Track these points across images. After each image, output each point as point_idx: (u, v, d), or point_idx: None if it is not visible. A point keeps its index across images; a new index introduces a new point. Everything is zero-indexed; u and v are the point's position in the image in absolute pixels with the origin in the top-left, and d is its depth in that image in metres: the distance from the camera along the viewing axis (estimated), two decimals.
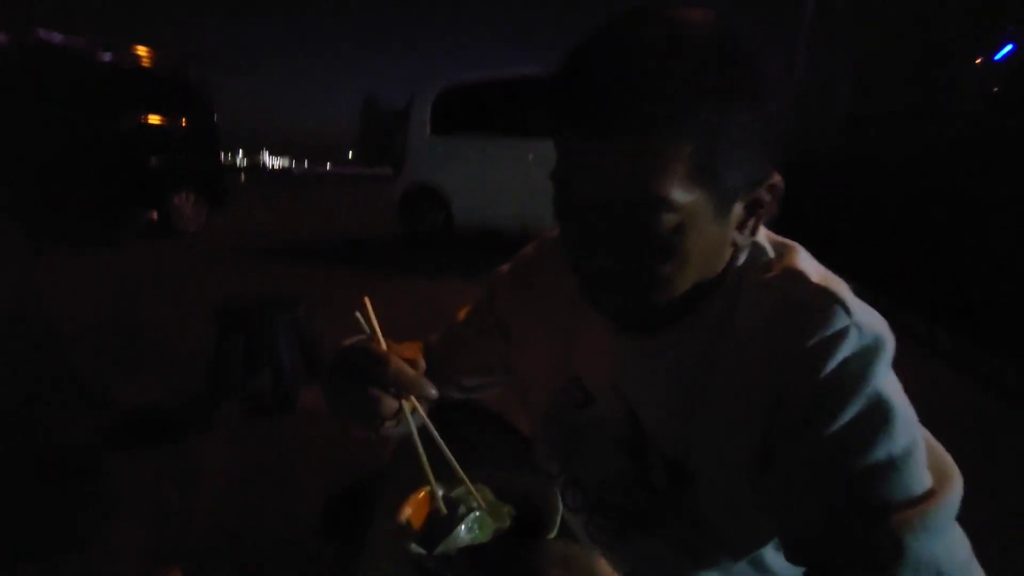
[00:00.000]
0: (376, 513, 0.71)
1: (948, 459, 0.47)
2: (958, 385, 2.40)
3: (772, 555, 0.57)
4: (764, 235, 0.55)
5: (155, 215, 6.37)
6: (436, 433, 0.48)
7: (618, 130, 0.42)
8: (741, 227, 0.49)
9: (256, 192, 17.00)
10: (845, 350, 0.43)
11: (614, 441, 0.61)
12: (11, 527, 1.21)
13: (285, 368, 2.01)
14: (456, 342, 0.77)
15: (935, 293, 3.34)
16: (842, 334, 0.44)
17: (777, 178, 0.48)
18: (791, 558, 0.48)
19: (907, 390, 0.45)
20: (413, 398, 0.49)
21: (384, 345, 0.50)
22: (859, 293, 0.48)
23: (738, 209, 0.48)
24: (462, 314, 0.79)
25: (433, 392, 0.50)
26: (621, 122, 0.41)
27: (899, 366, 0.46)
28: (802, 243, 0.54)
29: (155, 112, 6.17)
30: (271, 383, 2.02)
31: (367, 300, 0.51)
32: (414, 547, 0.42)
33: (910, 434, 0.43)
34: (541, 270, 0.69)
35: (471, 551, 0.42)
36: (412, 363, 0.50)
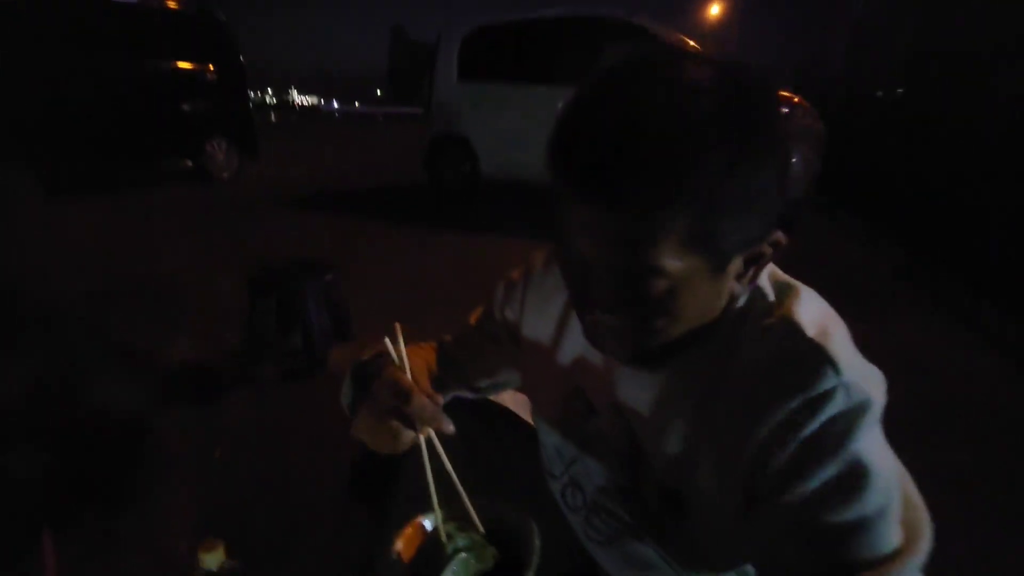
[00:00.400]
0: (401, 477, 0.76)
1: (922, 514, 0.50)
2: (998, 366, 2.33)
3: None
4: (768, 274, 0.55)
5: (189, 163, 6.48)
6: (448, 464, 0.52)
7: (611, 199, 0.42)
8: (740, 277, 0.50)
9: (286, 133, 17.01)
10: (830, 411, 0.45)
11: (613, 454, 0.63)
12: (65, 490, 1.35)
13: (315, 331, 2.10)
14: (469, 346, 0.80)
15: (986, 265, 3.11)
16: (828, 395, 0.45)
17: (779, 234, 0.48)
18: None
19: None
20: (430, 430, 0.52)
21: (409, 374, 0.53)
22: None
23: (736, 264, 0.48)
24: (473, 318, 0.81)
25: (451, 428, 0.53)
26: (614, 192, 0.41)
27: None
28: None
29: (184, 56, 6.13)
30: (302, 345, 2.12)
31: (398, 326, 0.53)
32: None
33: (885, 495, 0.45)
34: (550, 280, 0.70)
35: None
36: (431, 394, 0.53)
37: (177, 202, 5.55)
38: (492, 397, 0.86)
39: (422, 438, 0.53)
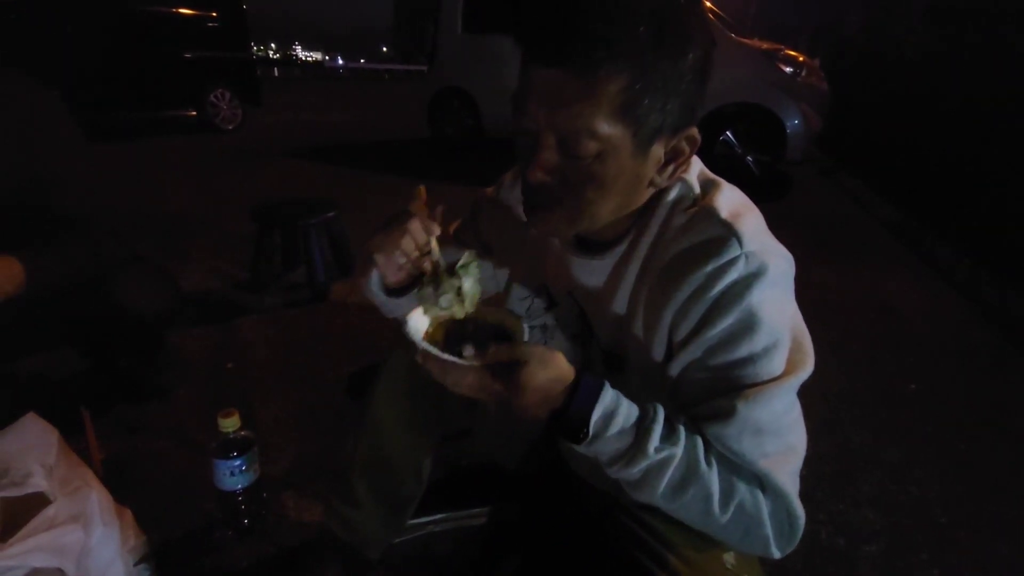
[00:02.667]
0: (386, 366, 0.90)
1: (804, 352, 0.60)
2: (965, 312, 2.45)
3: None
4: (697, 173, 0.65)
5: (193, 113, 6.50)
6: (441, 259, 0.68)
7: (557, 60, 0.52)
8: (661, 170, 0.60)
9: (289, 87, 16.80)
10: (733, 275, 0.56)
11: (570, 336, 0.77)
12: (95, 385, 1.51)
13: (317, 264, 2.23)
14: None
15: (986, 233, 3.08)
16: (732, 262, 0.56)
17: (695, 131, 0.59)
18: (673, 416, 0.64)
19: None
20: (433, 240, 0.67)
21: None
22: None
23: (658, 152, 0.58)
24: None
25: (438, 230, 0.67)
26: (561, 53, 0.52)
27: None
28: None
29: (185, 2, 6.07)
30: (306, 277, 2.26)
31: (422, 189, 0.70)
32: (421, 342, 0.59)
33: (772, 337, 0.56)
34: (516, 192, 0.82)
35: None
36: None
37: (182, 150, 5.61)
38: None
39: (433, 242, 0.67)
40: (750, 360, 0.57)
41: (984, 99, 3.80)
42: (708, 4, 4.77)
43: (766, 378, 0.57)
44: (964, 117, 3.99)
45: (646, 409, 0.59)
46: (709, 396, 0.59)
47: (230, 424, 1.05)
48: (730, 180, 0.67)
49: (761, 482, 0.58)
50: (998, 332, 2.24)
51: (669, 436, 0.57)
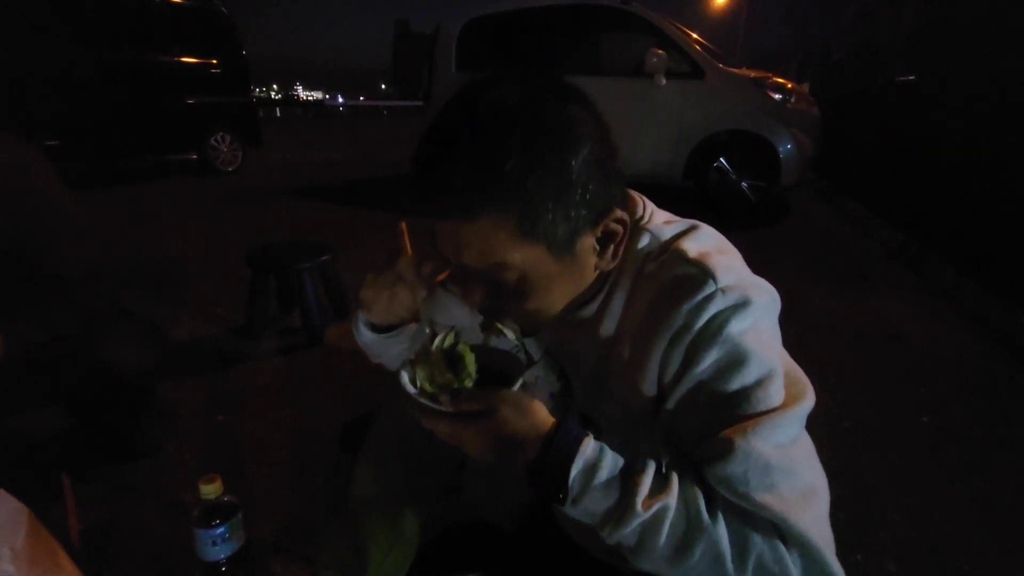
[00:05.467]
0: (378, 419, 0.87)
1: (802, 384, 0.57)
2: (971, 339, 2.40)
3: None
4: (664, 221, 0.64)
5: (194, 156, 6.60)
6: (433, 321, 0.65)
7: (442, 215, 0.54)
8: (601, 254, 0.59)
9: (290, 127, 17.15)
10: (711, 310, 0.54)
11: (550, 394, 0.73)
12: (79, 444, 1.47)
13: (312, 308, 2.21)
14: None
15: (975, 247, 3.10)
16: (709, 298, 0.54)
17: (619, 214, 0.58)
18: (670, 464, 0.59)
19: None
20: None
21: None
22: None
23: (586, 244, 0.58)
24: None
25: (424, 291, 0.65)
26: (443, 208, 0.53)
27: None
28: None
29: (188, 50, 6.24)
30: (301, 322, 2.23)
31: (404, 225, 0.69)
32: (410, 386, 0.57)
33: (764, 368, 0.53)
34: None
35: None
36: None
37: (182, 193, 5.67)
38: None
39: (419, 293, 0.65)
40: (743, 393, 0.53)
41: (982, 116, 3.83)
42: (695, 36, 4.87)
43: (764, 409, 0.53)
44: (963, 136, 4.01)
45: (632, 460, 0.54)
46: (705, 435, 0.54)
47: (212, 491, 1.00)
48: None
49: (780, 531, 0.50)
50: (1010, 359, 2.18)
51: (661, 487, 0.52)
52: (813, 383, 0.56)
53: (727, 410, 0.54)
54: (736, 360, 0.53)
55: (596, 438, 0.65)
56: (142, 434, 1.51)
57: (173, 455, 1.50)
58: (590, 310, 0.65)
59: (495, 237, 0.53)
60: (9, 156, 1.14)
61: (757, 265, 0.60)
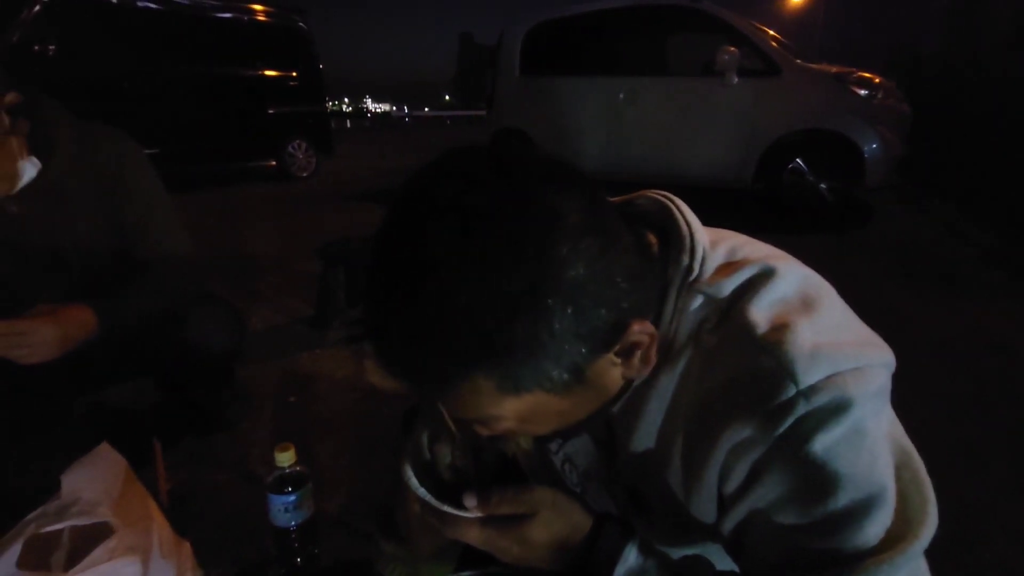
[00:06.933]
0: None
1: (925, 509, 0.46)
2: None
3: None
4: (722, 263, 0.50)
5: (273, 163, 7.05)
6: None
7: (414, 385, 0.44)
8: (627, 364, 0.47)
9: (359, 136, 17.95)
10: (787, 421, 0.42)
11: (595, 440, 0.64)
12: (168, 416, 1.58)
13: None
14: None
15: None
16: (786, 408, 0.42)
17: (637, 326, 0.44)
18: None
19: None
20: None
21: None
22: (996, 247, 0.45)
23: (602, 365, 0.45)
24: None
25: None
26: (422, 385, 0.44)
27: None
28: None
29: (271, 64, 6.69)
30: None
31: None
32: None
33: (859, 491, 0.42)
34: None
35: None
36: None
37: (260, 196, 6.06)
38: None
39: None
40: (828, 525, 0.43)
41: None
42: (771, 32, 4.66)
43: (863, 545, 0.43)
44: None
45: (683, 566, 0.49)
46: (780, 568, 0.46)
47: (286, 459, 1.05)
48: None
49: None
50: None
51: None
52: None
53: (810, 544, 0.44)
54: (818, 486, 0.42)
55: (648, 513, 0.59)
56: (222, 410, 1.61)
57: (249, 431, 1.59)
58: (635, 381, 0.53)
59: (475, 399, 0.43)
60: (117, 149, 1.26)
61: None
